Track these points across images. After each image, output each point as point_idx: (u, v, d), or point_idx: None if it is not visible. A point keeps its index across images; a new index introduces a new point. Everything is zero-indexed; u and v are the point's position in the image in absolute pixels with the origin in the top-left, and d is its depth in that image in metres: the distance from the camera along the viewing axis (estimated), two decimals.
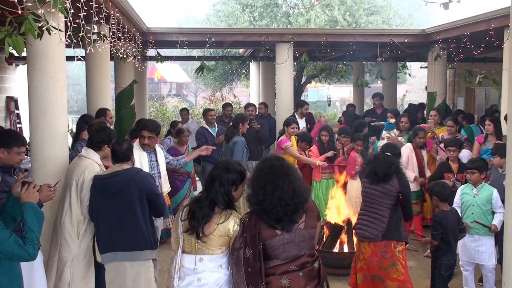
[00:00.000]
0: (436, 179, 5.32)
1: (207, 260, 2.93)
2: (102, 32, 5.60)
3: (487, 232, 4.63)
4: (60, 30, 3.59)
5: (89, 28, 4.58)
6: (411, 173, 6.11)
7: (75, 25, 3.94)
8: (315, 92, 24.74)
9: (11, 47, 3.05)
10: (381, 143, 7.27)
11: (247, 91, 18.77)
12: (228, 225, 2.91)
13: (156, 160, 5.18)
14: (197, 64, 10.50)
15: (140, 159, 4.89)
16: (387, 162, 4.29)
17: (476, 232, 4.66)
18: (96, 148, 4.06)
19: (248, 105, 8.75)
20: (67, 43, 4.03)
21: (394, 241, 4.19)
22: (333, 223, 5.70)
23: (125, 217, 3.75)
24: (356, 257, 4.42)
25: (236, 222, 2.93)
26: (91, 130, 4.40)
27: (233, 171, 2.98)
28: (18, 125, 10.89)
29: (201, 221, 2.91)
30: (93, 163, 3.98)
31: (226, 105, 8.91)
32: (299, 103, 8.79)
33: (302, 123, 8.35)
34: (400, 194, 4.25)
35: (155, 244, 3.94)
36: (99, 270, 4.04)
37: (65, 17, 3.78)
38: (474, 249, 4.69)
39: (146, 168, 4.85)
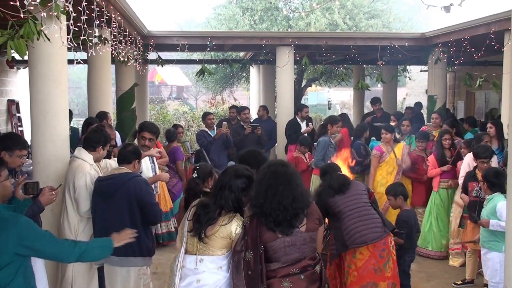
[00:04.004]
0: (463, 189, 5.22)
1: (208, 261, 2.95)
2: (103, 36, 5.63)
3: (494, 246, 4.33)
4: (49, 40, 3.57)
5: (90, 31, 4.58)
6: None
7: (77, 29, 3.95)
8: (315, 95, 24.74)
9: (13, 50, 3.06)
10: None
11: (248, 94, 18.78)
12: (231, 227, 2.92)
13: (153, 162, 5.19)
14: (197, 67, 10.52)
15: (146, 163, 4.90)
16: (342, 177, 4.15)
17: (483, 245, 4.46)
18: (91, 148, 4.02)
19: (243, 108, 8.58)
20: (68, 46, 4.03)
21: (388, 235, 4.06)
22: None
23: (114, 221, 3.68)
24: (341, 275, 4.07)
25: (239, 225, 2.94)
26: (88, 131, 4.40)
27: (242, 177, 3.00)
28: (20, 128, 10.89)
29: (205, 224, 2.92)
30: (83, 163, 3.94)
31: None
32: (299, 107, 8.80)
33: (303, 126, 8.36)
34: (368, 191, 4.18)
35: (148, 252, 3.83)
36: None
37: (67, 21, 3.79)
38: (483, 261, 4.51)
39: (150, 172, 4.84)
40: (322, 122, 7.05)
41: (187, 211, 3.14)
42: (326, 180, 4.13)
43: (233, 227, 2.92)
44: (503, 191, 4.60)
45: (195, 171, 4.09)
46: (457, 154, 6.06)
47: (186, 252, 3.03)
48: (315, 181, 6.44)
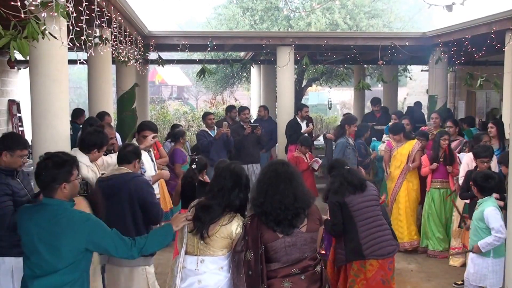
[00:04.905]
0: (465, 189, 5.17)
1: (208, 262, 2.95)
2: (104, 36, 5.62)
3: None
4: (56, 38, 3.57)
5: (91, 31, 4.59)
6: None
7: (77, 29, 3.95)
8: (315, 95, 24.73)
9: (16, 51, 3.05)
10: (381, 146, 7.30)
11: (248, 94, 18.76)
12: (232, 227, 2.93)
13: (153, 161, 5.20)
14: (198, 67, 10.52)
15: (149, 162, 4.92)
16: (357, 172, 4.04)
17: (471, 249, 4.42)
18: (86, 151, 4.03)
19: (243, 108, 8.59)
20: (69, 46, 4.03)
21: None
22: None
23: (115, 222, 3.60)
24: (346, 283, 3.95)
25: (239, 225, 2.95)
26: (84, 133, 4.38)
27: (243, 176, 3.02)
28: (20, 128, 10.89)
29: (208, 222, 2.93)
30: (81, 165, 3.89)
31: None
32: (299, 107, 8.82)
33: (304, 126, 8.36)
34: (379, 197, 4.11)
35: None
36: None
37: (67, 21, 3.79)
38: (468, 264, 4.44)
39: (152, 170, 4.86)
40: (340, 123, 7.04)
41: (187, 211, 3.13)
42: (339, 176, 3.96)
43: (234, 227, 2.93)
44: (498, 192, 4.60)
45: (194, 163, 4.58)
46: (449, 154, 6.06)
47: (186, 253, 3.03)
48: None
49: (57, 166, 2.75)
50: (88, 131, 4.24)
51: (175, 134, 6.88)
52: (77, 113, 7.78)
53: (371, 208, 3.88)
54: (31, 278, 2.71)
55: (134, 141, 5.10)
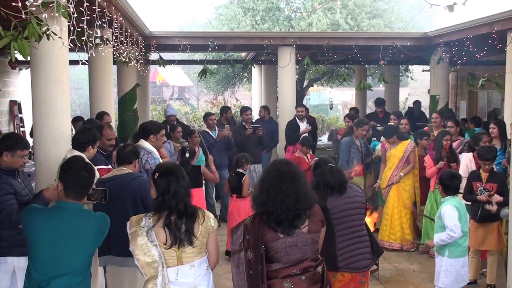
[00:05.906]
0: (467, 190, 5.10)
1: (197, 266, 2.90)
2: (105, 36, 5.62)
3: (440, 249, 4.27)
4: (60, 37, 3.58)
5: (92, 32, 4.59)
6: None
7: (79, 29, 3.95)
8: (317, 95, 24.73)
9: (16, 51, 3.05)
10: (379, 146, 7.29)
11: (249, 95, 18.76)
12: (209, 223, 2.92)
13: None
14: (199, 67, 10.52)
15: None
16: (338, 173, 3.70)
17: (433, 248, 4.49)
18: (81, 149, 4.05)
19: (245, 108, 8.60)
20: (70, 47, 4.04)
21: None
22: None
23: (119, 222, 3.55)
24: None
25: (213, 218, 2.97)
26: (76, 131, 4.40)
27: (183, 174, 2.93)
28: (21, 129, 10.91)
29: (193, 228, 2.85)
30: None
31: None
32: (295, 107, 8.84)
33: (302, 126, 8.35)
34: (367, 204, 3.91)
35: None
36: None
37: (68, 21, 3.79)
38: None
39: None
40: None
41: (138, 235, 2.85)
42: (319, 175, 3.69)
43: (211, 221, 2.93)
44: (501, 193, 4.68)
45: (187, 152, 4.82)
46: (451, 154, 6.07)
47: (168, 267, 2.84)
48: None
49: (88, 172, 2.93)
50: (78, 130, 4.28)
51: (186, 133, 7.03)
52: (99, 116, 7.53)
53: (354, 217, 3.63)
54: (41, 281, 2.70)
55: (146, 142, 4.97)
